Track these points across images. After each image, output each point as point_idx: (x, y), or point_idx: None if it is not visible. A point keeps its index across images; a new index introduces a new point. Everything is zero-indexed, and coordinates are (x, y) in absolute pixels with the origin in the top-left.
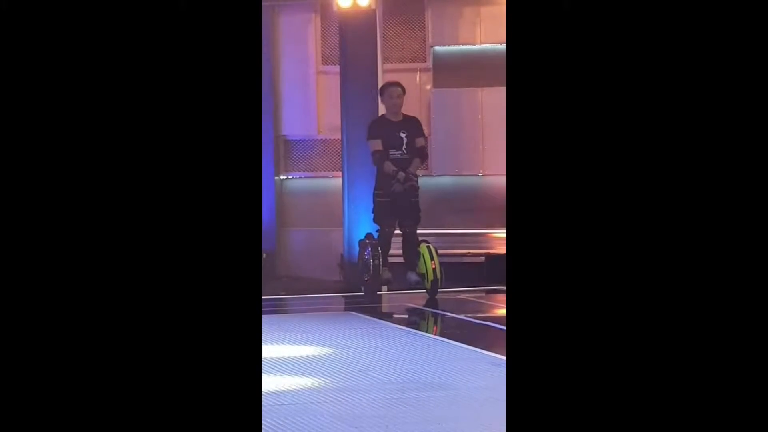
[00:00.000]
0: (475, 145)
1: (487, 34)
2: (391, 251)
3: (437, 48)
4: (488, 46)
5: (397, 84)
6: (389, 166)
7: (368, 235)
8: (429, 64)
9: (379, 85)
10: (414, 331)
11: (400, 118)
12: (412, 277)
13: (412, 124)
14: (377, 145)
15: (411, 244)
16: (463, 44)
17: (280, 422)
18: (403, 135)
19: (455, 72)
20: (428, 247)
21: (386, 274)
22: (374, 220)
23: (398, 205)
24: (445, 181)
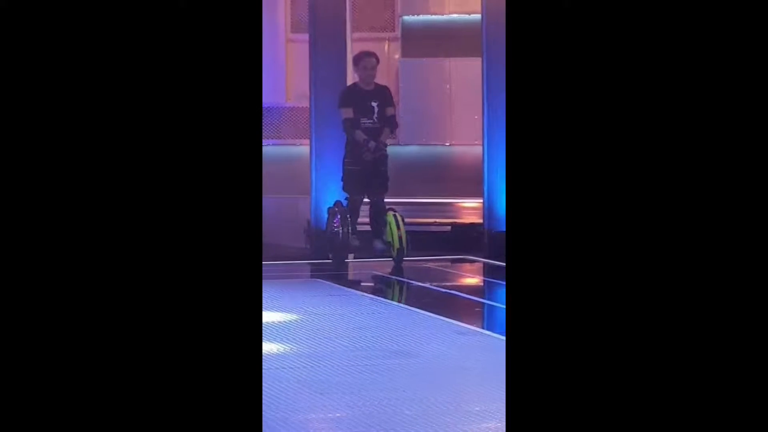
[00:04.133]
0: (442, 114)
1: (456, 4)
2: (359, 219)
3: (406, 17)
4: (457, 16)
5: (372, 54)
6: (360, 135)
7: (337, 203)
8: (398, 33)
9: (349, 54)
10: (380, 298)
11: (372, 87)
12: (379, 245)
13: (383, 94)
14: (348, 113)
15: (378, 213)
16: (432, 14)
17: None
18: (374, 104)
19: (424, 42)
20: (395, 215)
21: (354, 242)
22: (343, 189)
23: (367, 173)
24: (413, 150)
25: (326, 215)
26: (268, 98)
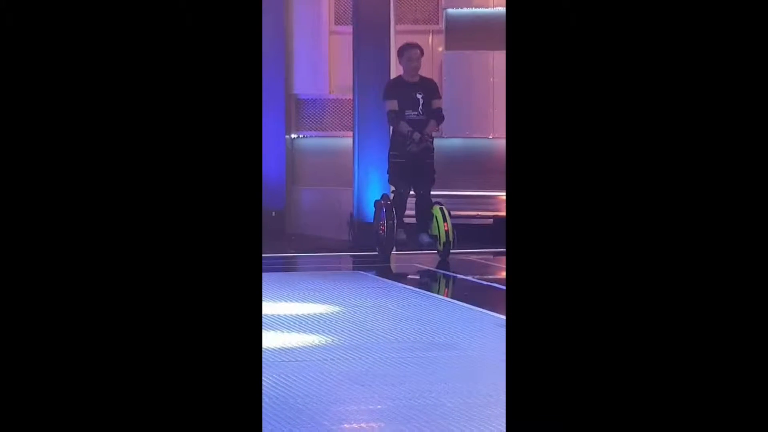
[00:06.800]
0: (485, 107)
1: None
2: (406, 212)
3: (450, 10)
4: (501, 9)
5: (416, 46)
6: (404, 126)
7: (384, 196)
8: (441, 26)
9: (392, 46)
10: (422, 291)
11: (417, 79)
12: (425, 238)
13: (428, 86)
14: (393, 105)
15: (424, 206)
16: (476, 7)
17: (287, 378)
18: (419, 96)
19: (467, 35)
20: (441, 209)
21: (401, 236)
22: (389, 182)
23: (413, 166)
24: (456, 143)
25: (373, 208)
26: (311, 90)
